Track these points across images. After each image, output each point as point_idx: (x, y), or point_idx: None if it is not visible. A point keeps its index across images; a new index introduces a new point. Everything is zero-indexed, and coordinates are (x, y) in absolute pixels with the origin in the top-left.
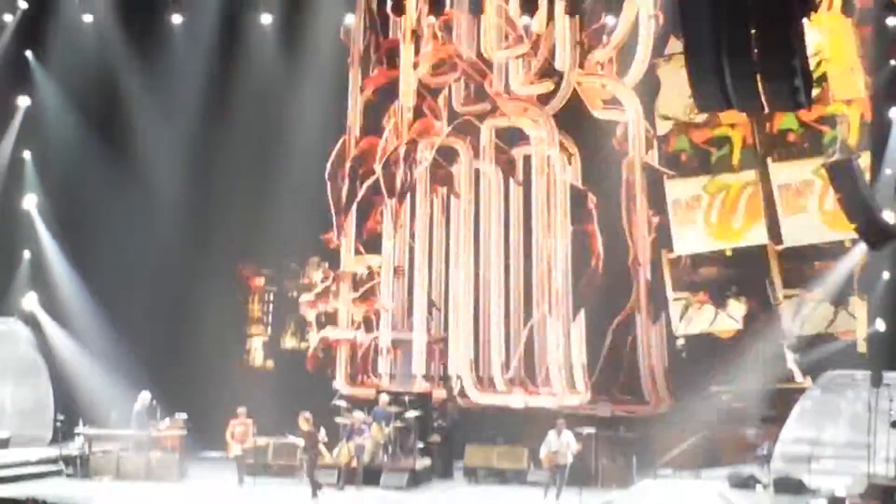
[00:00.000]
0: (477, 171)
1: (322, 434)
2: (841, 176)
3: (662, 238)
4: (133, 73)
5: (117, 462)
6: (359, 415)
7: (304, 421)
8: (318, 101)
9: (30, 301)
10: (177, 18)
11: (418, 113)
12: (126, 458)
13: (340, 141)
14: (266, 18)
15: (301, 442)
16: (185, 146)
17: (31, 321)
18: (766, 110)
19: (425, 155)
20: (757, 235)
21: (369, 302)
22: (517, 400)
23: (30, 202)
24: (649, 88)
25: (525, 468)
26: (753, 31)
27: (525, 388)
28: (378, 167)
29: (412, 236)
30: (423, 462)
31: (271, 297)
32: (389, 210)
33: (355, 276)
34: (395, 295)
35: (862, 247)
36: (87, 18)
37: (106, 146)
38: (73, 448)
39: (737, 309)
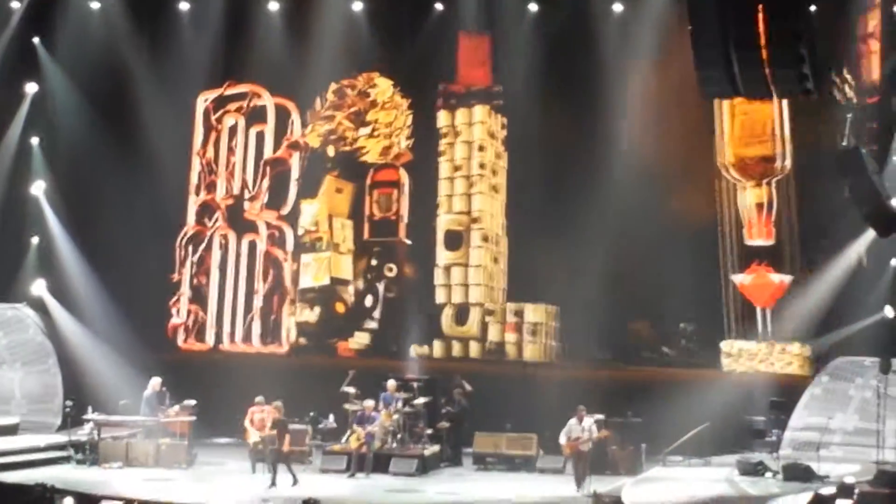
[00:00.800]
0: None
1: (331, 420)
2: (849, 164)
3: None
4: (140, 60)
5: (126, 448)
6: (369, 402)
7: (275, 409)
8: (324, 88)
9: (38, 287)
10: (184, 5)
11: None
12: (135, 445)
13: None
14: (273, 5)
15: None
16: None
17: (40, 307)
18: (774, 97)
19: None
20: None
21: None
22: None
23: (38, 188)
24: None
25: (534, 455)
26: (761, 19)
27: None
28: None
29: None
30: (433, 448)
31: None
32: None
33: None
34: None
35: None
36: (95, 5)
37: (113, 132)
38: (82, 434)
39: None
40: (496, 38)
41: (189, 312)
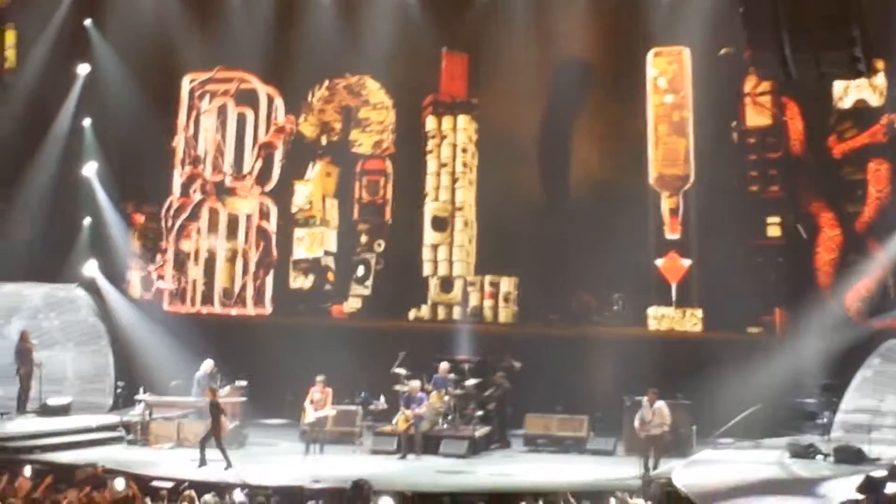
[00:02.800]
0: None
1: (382, 401)
2: None
3: None
4: (191, 43)
5: (178, 429)
6: (416, 383)
7: (211, 392)
8: (388, 80)
9: (90, 268)
10: None
11: None
12: (186, 426)
13: None
14: None
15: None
16: None
17: (92, 288)
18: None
19: None
20: None
21: None
22: None
23: (89, 169)
24: None
25: (585, 436)
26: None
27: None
28: None
29: None
30: (483, 430)
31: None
32: None
33: None
34: None
35: None
36: None
37: (164, 114)
38: (134, 415)
39: None
40: (472, 56)
41: (175, 278)
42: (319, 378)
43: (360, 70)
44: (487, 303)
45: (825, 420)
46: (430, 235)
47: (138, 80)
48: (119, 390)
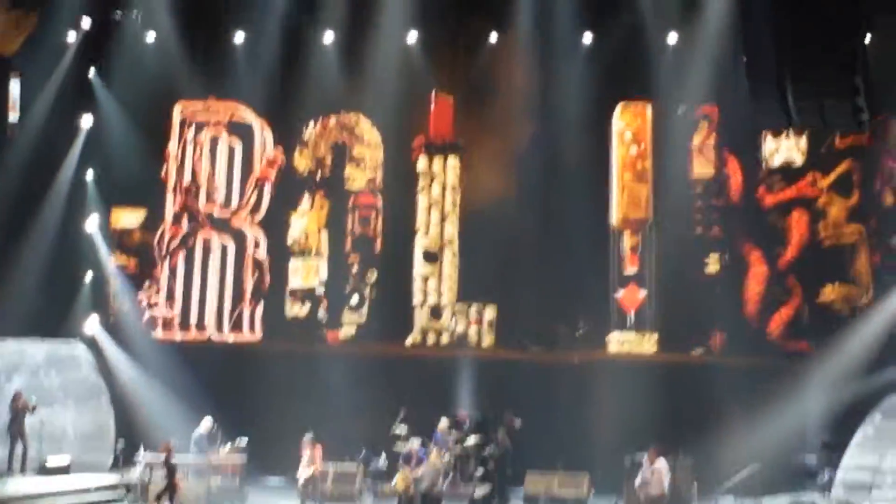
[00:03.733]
0: None
1: (382, 460)
2: None
3: None
4: (195, 92)
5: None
6: (416, 441)
7: (165, 449)
8: (379, 119)
9: (91, 323)
10: (239, 37)
11: None
12: (185, 485)
13: None
14: (328, 37)
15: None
16: None
17: (93, 344)
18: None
19: None
20: None
21: None
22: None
23: (92, 224)
24: None
25: (585, 495)
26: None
27: None
28: None
29: None
30: (483, 489)
31: None
32: None
33: None
34: None
35: None
36: (150, 37)
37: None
38: (134, 474)
39: None
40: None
41: (167, 305)
42: (307, 437)
43: (354, 108)
44: (473, 329)
45: (826, 478)
46: (420, 267)
47: (143, 132)
48: (119, 448)
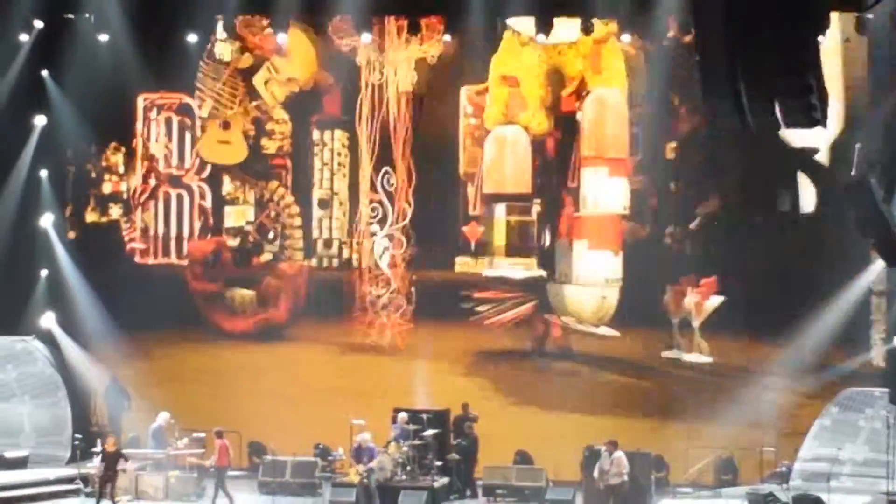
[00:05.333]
0: None
1: (339, 452)
2: (857, 193)
3: None
4: (148, 89)
5: (135, 482)
6: (364, 435)
7: (111, 443)
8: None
9: (47, 320)
10: (192, 38)
11: None
12: (144, 478)
13: None
14: (282, 37)
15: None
16: None
17: (49, 340)
18: (784, 128)
19: None
20: None
21: None
22: None
23: (46, 221)
24: None
25: (544, 486)
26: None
27: None
28: None
29: None
30: (442, 480)
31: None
32: None
33: None
34: None
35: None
36: (103, 38)
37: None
38: (91, 467)
39: None
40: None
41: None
42: (216, 431)
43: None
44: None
45: (784, 469)
46: (316, 211)
47: (96, 131)
48: (76, 443)
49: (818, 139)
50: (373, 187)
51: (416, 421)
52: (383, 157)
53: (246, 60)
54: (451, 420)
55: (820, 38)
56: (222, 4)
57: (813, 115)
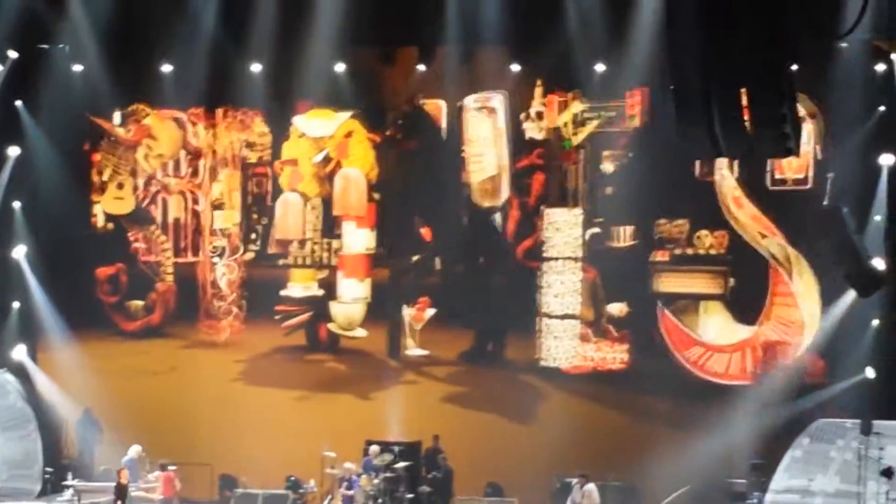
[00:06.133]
0: None
1: (311, 485)
2: (830, 222)
3: None
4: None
5: None
6: (349, 465)
7: (123, 476)
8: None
9: (19, 352)
10: (167, 67)
11: None
12: None
13: None
14: (256, 67)
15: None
16: None
17: (20, 372)
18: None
19: None
20: None
21: None
22: None
23: (19, 252)
24: None
25: None
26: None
27: None
28: None
29: None
30: None
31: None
32: None
33: None
34: None
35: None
36: (77, 68)
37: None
38: (62, 501)
39: None
40: None
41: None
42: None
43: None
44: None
45: (755, 501)
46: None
47: (70, 162)
48: (47, 476)
49: None
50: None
51: (388, 453)
52: None
53: (132, 138)
54: (422, 452)
55: (793, 66)
56: (193, 33)
57: (786, 145)
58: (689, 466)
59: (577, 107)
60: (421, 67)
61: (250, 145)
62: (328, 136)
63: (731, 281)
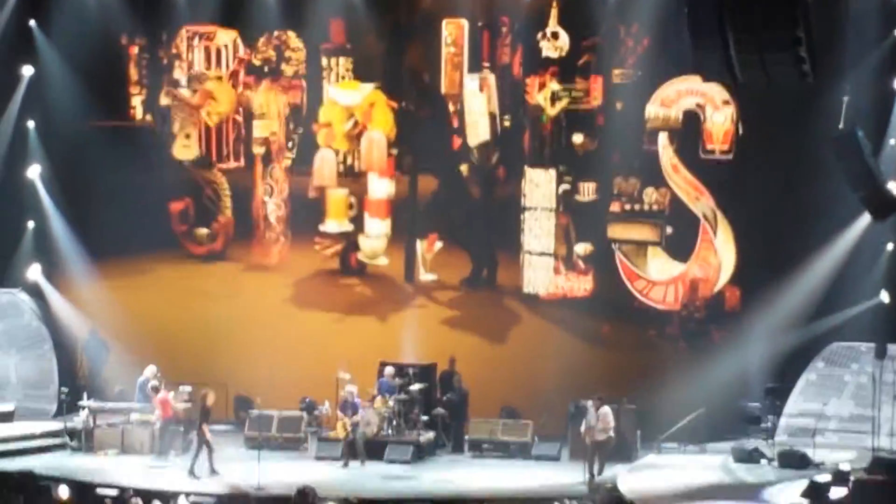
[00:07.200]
0: None
1: (326, 407)
2: (845, 146)
3: None
4: (136, 42)
5: (122, 435)
6: (351, 388)
7: (209, 398)
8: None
9: (34, 272)
10: None
11: None
12: (130, 432)
13: None
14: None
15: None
16: None
17: (36, 292)
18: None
19: None
20: None
21: None
22: None
23: (33, 172)
24: None
25: (529, 442)
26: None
27: None
28: None
29: None
30: (428, 435)
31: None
32: None
33: None
34: None
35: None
36: None
37: (109, 115)
38: (78, 421)
39: None
40: None
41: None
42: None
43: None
44: None
45: (769, 424)
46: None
47: (84, 81)
48: (63, 396)
49: None
50: None
51: (402, 375)
52: None
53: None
54: (437, 374)
55: None
56: None
57: (801, 68)
58: (703, 390)
59: (554, 86)
60: None
61: (286, 60)
62: (356, 105)
63: (669, 230)
